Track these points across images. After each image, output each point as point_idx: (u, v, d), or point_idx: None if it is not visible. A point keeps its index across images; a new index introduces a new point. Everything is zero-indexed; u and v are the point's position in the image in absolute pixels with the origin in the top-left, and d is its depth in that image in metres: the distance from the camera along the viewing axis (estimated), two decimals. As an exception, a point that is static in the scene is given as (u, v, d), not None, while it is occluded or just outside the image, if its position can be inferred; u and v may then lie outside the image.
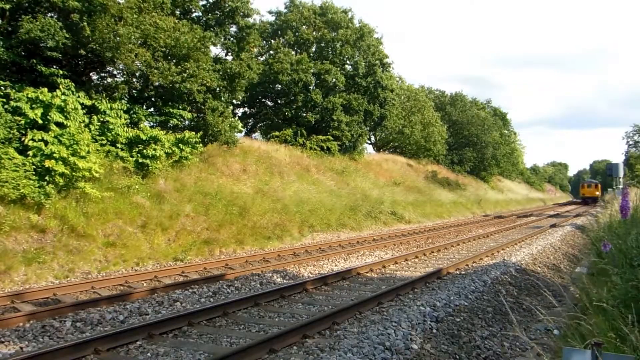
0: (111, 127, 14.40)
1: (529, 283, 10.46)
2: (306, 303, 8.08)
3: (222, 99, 19.47)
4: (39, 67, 13.01)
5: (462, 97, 54.59)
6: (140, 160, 14.82)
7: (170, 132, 16.87)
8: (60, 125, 12.35)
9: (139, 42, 14.75)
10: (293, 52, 30.71)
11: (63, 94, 12.74)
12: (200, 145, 17.13)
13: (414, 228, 22.67)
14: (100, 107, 14.22)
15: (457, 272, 10.64)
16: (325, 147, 28.65)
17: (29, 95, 12.14)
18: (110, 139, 14.39)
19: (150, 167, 14.98)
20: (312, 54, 31.40)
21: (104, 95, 14.67)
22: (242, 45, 20.67)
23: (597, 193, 58.19)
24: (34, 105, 12.15)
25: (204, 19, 19.60)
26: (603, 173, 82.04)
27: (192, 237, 13.74)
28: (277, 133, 27.79)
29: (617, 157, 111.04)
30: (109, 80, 15.99)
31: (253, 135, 31.31)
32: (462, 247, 16.06)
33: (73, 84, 13.19)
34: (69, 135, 12.02)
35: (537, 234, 19.69)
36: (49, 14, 13.48)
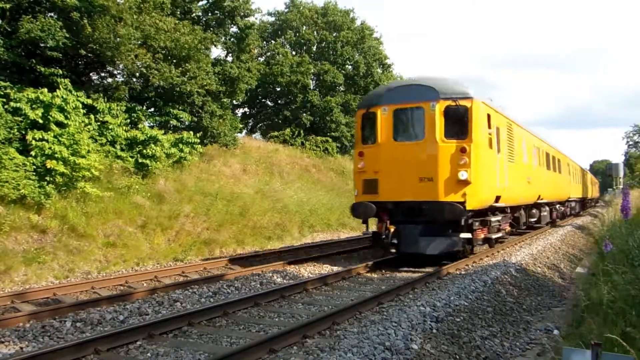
0: (110, 127, 14.41)
1: (529, 283, 10.46)
2: (306, 303, 8.07)
3: (222, 101, 19.51)
4: (38, 67, 13.01)
5: None
6: (140, 160, 14.83)
7: (170, 132, 16.88)
8: (60, 124, 12.35)
9: (139, 42, 14.76)
10: (293, 53, 30.75)
11: (67, 90, 12.76)
12: (200, 145, 17.16)
13: (414, 228, 22.60)
14: (98, 107, 14.23)
15: (457, 272, 10.63)
16: (323, 148, 28.71)
17: (29, 96, 12.15)
18: (109, 139, 14.41)
19: (150, 167, 15.00)
20: (312, 54, 31.44)
21: (103, 95, 14.68)
22: (242, 46, 20.69)
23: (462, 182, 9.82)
24: (34, 106, 12.15)
25: (204, 19, 19.61)
26: (603, 173, 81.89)
27: (192, 237, 13.74)
28: (275, 133, 27.84)
29: (617, 157, 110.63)
30: (109, 80, 16.01)
31: (253, 135, 31.36)
32: (462, 247, 16.00)
33: (71, 84, 13.18)
34: (69, 135, 12.03)
35: (537, 234, 19.65)
36: (49, 14, 13.48)
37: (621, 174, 42.42)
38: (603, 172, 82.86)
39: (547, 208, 18.68)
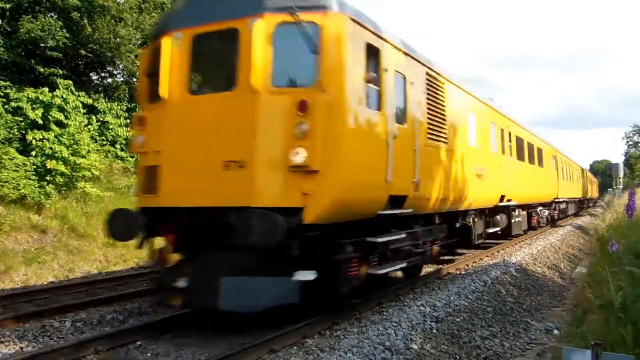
0: (110, 127, 14.43)
1: (529, 283, 10.46)
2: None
3: None
4: (38, 67, 13.03)
5: None
6: (140, 160, 14.86)
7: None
8: (60, 124, 12.36)
9: (140, 42, 14.78)
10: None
11: (68, 90, 12.77)
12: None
13: (414, 228, 22.51)
14: (99, 107, 14.25)
15: (457, 272, 10.62)
16: None
17: (29, 96, 12.16)
18: (109, 139, 14.43)
19: (150, 167, 15.01)
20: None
21: (103, 95, 14.70)
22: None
23: None
24: (34, 106, 12.16)
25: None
26: (603, 173, 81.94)
27: (192, 237, 13.74)
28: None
29: (617, 157, 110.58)
30: (109, 80, 16.04)
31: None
32: (462, 247, 15.98)
33: (72, 83, 13.21)
34: (69, 135, 12.04)
35: (537, 234, 19.64)
36: (49, 14, 13.51)
37: (621, 174, 42.43)
38: (603, 172, 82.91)
39: (522, 212, 14.44)
